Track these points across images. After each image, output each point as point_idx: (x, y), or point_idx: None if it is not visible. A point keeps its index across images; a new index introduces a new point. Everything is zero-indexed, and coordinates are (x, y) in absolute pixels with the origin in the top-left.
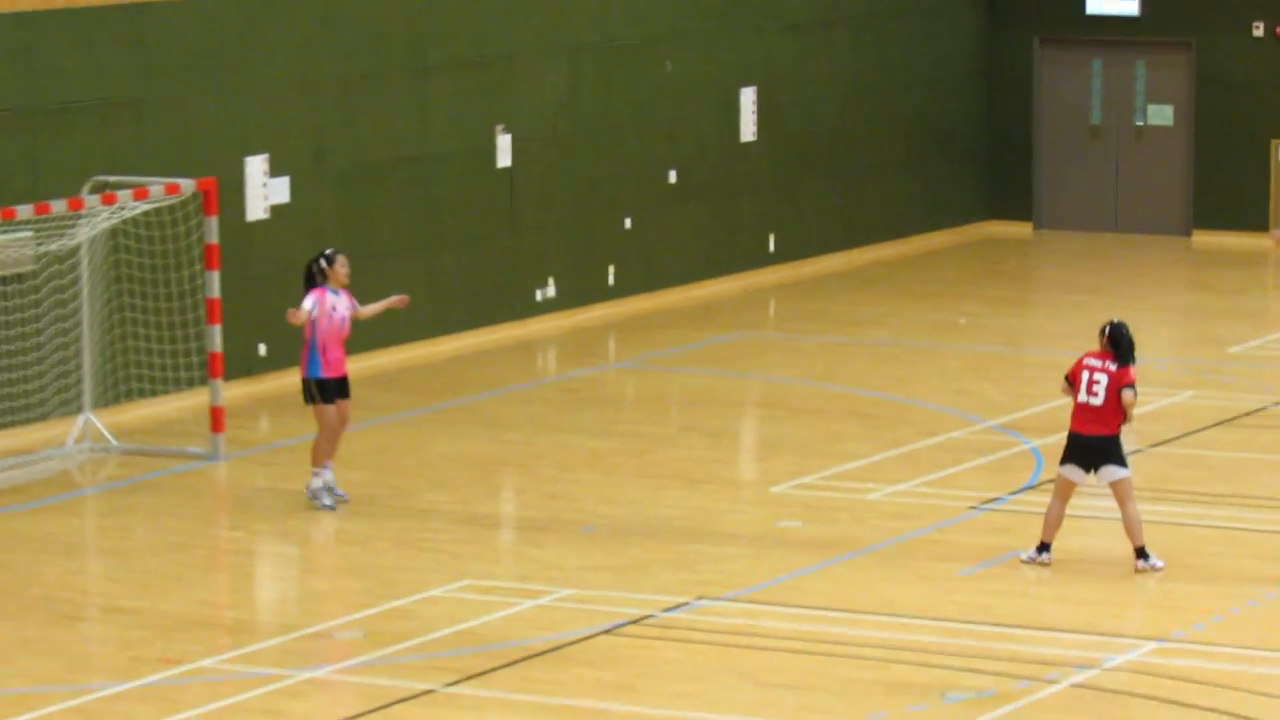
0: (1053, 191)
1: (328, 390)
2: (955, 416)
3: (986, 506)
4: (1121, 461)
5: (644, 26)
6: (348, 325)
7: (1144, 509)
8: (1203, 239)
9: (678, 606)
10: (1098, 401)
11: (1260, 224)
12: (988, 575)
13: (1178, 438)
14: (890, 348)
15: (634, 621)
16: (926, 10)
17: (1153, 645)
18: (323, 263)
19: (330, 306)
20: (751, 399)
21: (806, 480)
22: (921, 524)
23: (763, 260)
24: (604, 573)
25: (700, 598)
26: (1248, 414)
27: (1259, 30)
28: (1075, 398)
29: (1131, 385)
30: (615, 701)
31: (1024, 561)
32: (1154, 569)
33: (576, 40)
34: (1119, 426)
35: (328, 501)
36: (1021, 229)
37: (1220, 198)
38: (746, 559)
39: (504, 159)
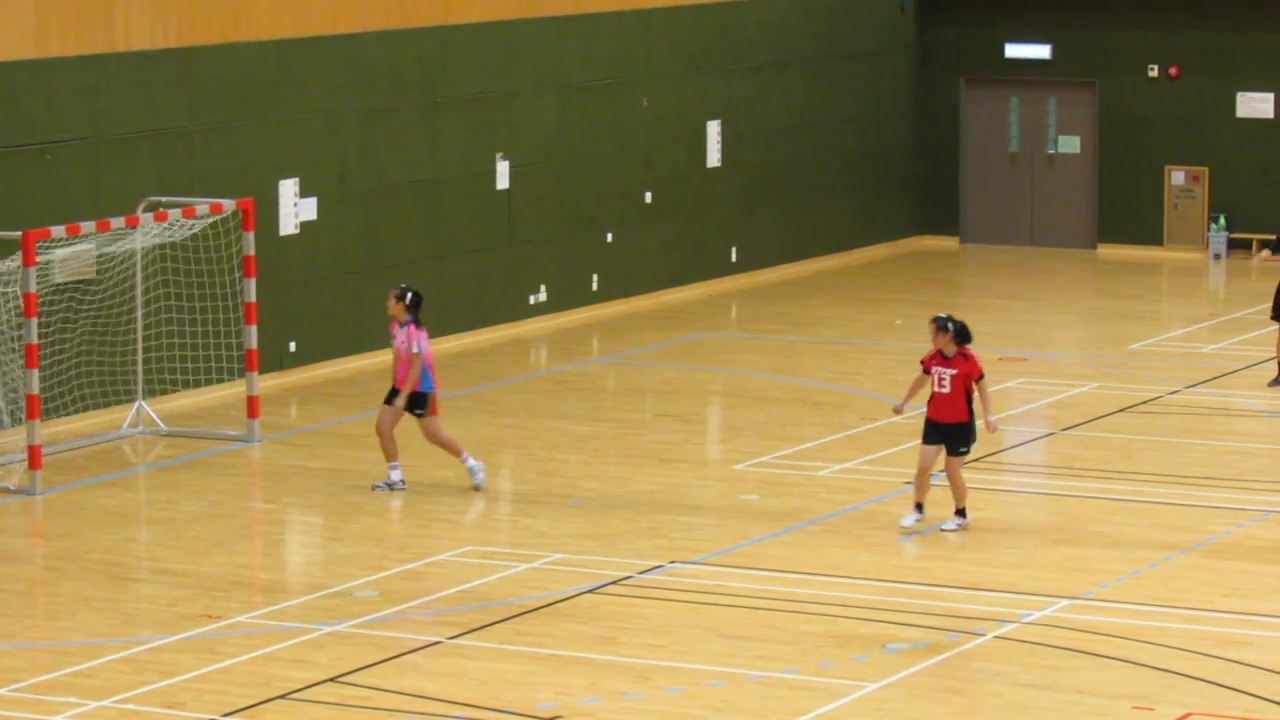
0: (976, 210)
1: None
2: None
3: None
4: (965, 441)
5: (624, 68)
6: (406, 353)
7: (1057, 484)
8: (1106, 251)
9: (653, 569)
10: (946, 390)
11: (1155, 239)
12: (922, 541)
13: (1085, 422)
14: (837, 345)
15: (615, 582)
16: (868, 54)
17: (1065, 602)
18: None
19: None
20: (717, 389)
21: (765, 459)
22: (864, 497)
23: (726, 270)
24: (589, 540)
25: (672, 561)
26: (1145, 402)
27: (1154, 72)
28: (932, 388)
29: (982, 376)
30: (598, 651)
31: (907, 526)
32: (960, 528)
33: (566, 80)
34: (967, 411)
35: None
36: (949, 242)
37: (1121, 216)
38: (712, 528)
39: (503, 182)
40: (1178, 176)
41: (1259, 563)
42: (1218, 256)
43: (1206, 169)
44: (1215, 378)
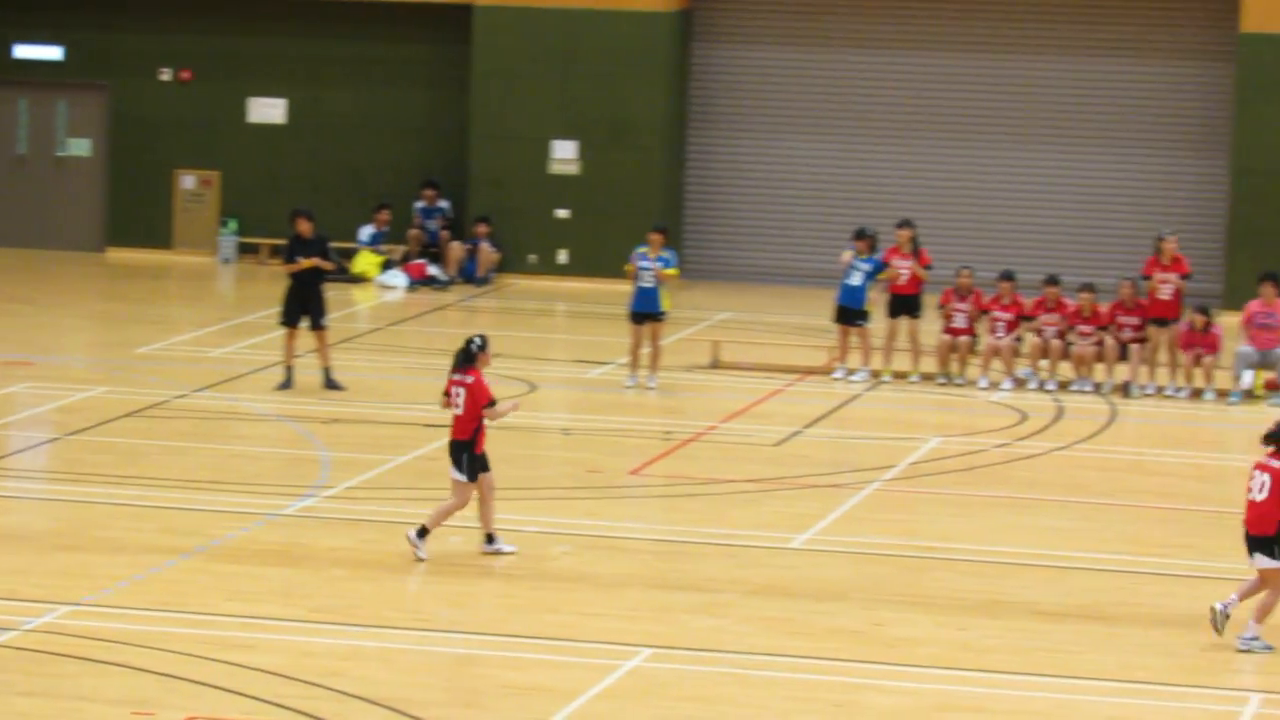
0: None
1: None
2: None
3: None
4: (459, 464)
5: None
6: None
7: (61, 490)
8: (116, 255)
9: None
10: (458, 411)
11: (165, 242)
12: None
13: (91, 427)
14: None
15: None
16: None
17: (66, 609)
18: None
19: None
20: None
21: None
22: None
23: None
24: None
25: None
26: (153, 406)
27: (166, 75)
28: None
29: (491, 402)
30: None
31: (491, 551)
32: (417, 549)
33: None
34: (470, 433)
35: None
36: None
37: (131, 219)
38: None
39: None
40: (188, 180)
41: (263, 565)
42: (227, 260)
43: (218, 173)
44: (223, 381)
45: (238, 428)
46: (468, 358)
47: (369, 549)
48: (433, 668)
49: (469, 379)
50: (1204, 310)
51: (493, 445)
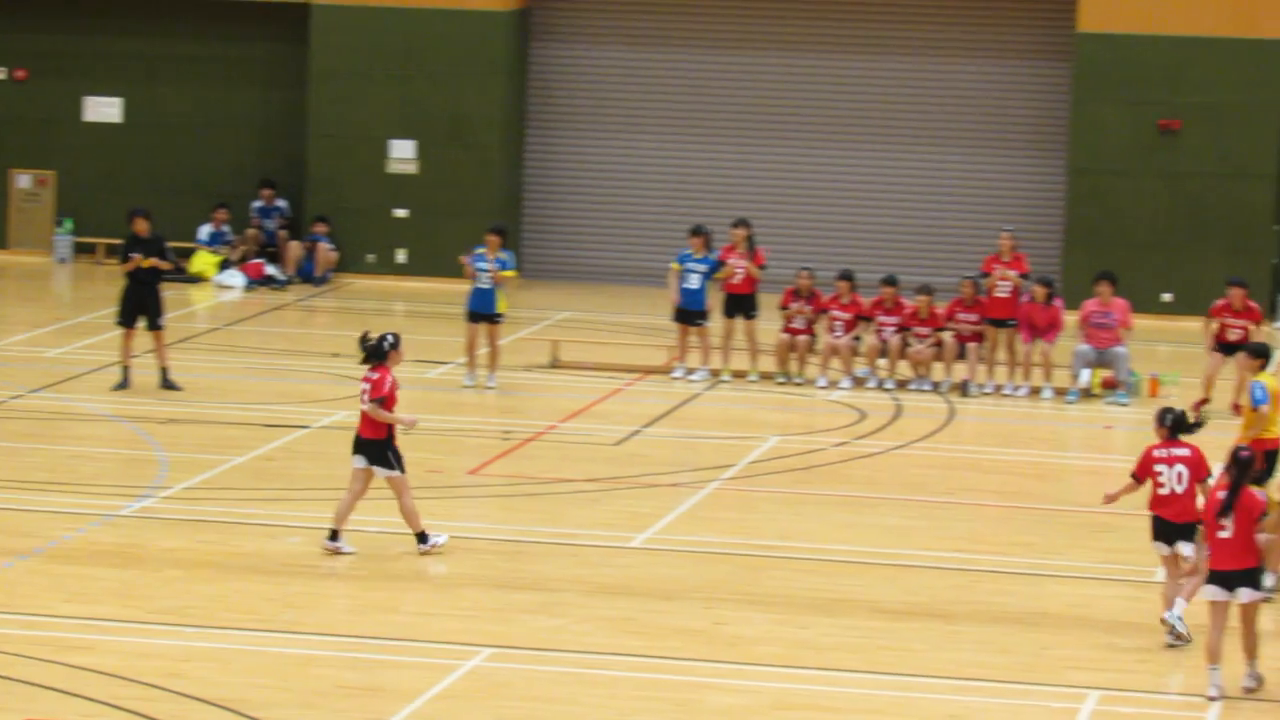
0: None
1: None
2: None
3: None
4: (386, 462)
5: None
6: None
7: None
8: None
9: None
10: (366, 407)
11: (0, 242)
12: None
13: None
14: None
15: None
16: None
17: None
18: None
19: None
20: None
21: None
22: None
23: None
24: None
25: None
26: None
27: (1, 74)
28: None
29: (378, 400)
30: None
31: (332, 549)
32: (435, 548)
33: None
34: (385, 430)
35: None
36: None
37: None
38: None
39: None
40: (23, 180)
41: (100, 567)
42: (63, 260)
43: (53, 173)
44: (60, 382)
45: (74, 428)
46: (379, 354)
47: (207, 550)
48: (271, 669)
49: (375, 375)
50: (1046, 282)
51: (333, 445)
